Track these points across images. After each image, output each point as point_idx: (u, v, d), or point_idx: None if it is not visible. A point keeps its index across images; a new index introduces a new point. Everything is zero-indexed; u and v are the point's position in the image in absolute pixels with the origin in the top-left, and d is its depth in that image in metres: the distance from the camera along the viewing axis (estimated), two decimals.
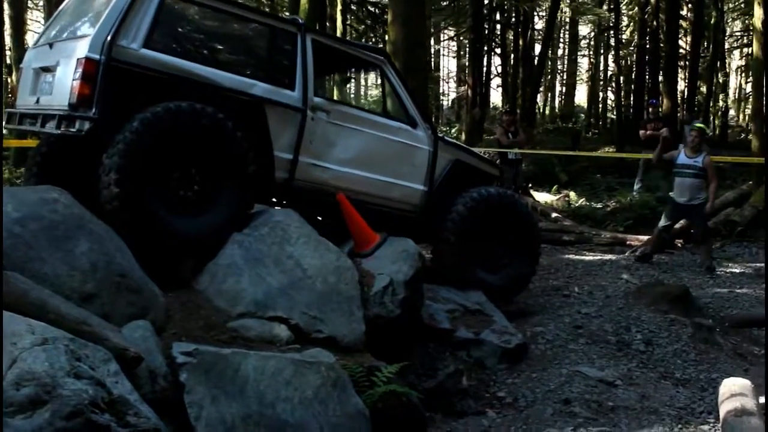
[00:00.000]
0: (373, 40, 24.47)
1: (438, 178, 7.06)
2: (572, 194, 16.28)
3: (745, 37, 34.37)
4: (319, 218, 6.62)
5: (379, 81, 7.07)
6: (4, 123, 6.24)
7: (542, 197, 16.10)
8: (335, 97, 14.80)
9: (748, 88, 31.95)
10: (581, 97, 44.78)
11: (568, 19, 39.13)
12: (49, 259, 4.22)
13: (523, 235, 7.39)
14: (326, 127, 6.26)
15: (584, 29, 40.61)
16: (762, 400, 5.40)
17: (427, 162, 6.96)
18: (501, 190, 7.46)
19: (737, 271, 10.11)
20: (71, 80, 5.10)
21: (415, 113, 6.91)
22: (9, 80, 23.38)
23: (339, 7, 21.51)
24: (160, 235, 5.14)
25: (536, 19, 30.04)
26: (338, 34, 19.84)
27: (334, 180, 6.30)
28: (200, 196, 5.41)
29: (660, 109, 17.21)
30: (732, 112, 40.75)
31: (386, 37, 14.31)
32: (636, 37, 28.96)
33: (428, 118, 7.28)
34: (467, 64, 26.18)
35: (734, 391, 5.17)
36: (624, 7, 32.16)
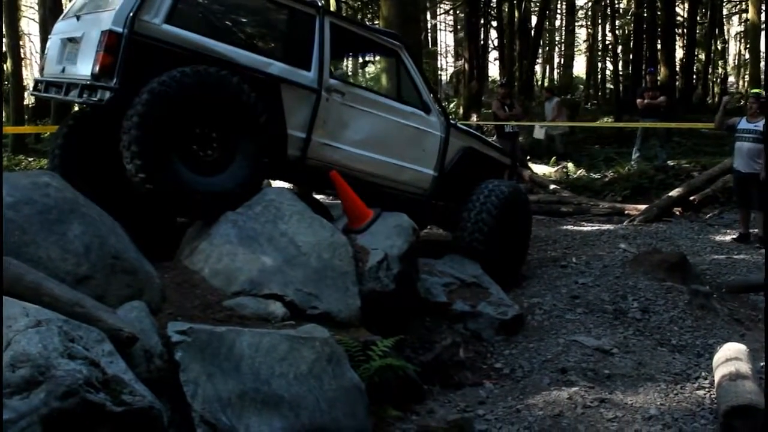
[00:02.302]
0: (369, 17, 24.37)
1: (449, 164, 7.23)
2: (570, 165, 16.29)
3: (743, 3, 34.14)
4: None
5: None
6: (31, 89, 6.45)
7: (540, 169, 16.11)
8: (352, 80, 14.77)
9: (748, 54, 31.77)
10: (580, 68, 44.56)
11: None
12: (42, 243, 4.24)
13: (524, 226, 7.77)
14: (340, 109, 6.36)
15: None
16: (760, 364, 5.45)
17: (439, 147, 7.11)
18: (516, 188, 7.67)
19: (735, 237, 10.11)
20: (95, 51, 5.25)
21: (428, 99, 7.05)
22: (5, 67, 23.36)
23: None
24: (185, 197, 5.31)
25: None
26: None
27: (345, 160, 6.41)
28: (219, 154, 5.53)
29: (658, 78, 17.14)
30: (731, 79, 40.60)
31: (379, 13, 14.24)
32: (633, 5, 28.81)
33: (441, 104, 7.41)
34: (464, 37, 26.01)
35: (729, 355, 5.22)
36: None
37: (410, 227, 5.91)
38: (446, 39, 47.49)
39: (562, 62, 44.17)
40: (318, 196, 8.07)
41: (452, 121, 7.46)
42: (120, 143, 5.18)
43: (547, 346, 6.04)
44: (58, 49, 6.00)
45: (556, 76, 44.67)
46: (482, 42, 28.27)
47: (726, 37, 39.12)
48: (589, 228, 10.86)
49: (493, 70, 37.35)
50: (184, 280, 5.06)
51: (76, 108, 8.03)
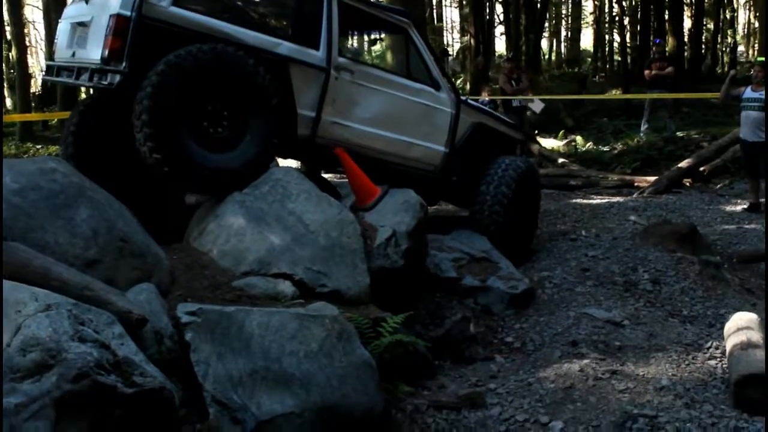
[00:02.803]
0: None
1: (459, 141, 7.23)
2: (579, 138, 16.23)
3: None
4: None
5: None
6: (44, 75, 6.49)
7: (549, 143, 16.05)
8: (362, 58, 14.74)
9: (757, 22, 31.47)
10: (587, 41, 44.23)
11: None
12: (50, 228, 4.26)
13: (535, 200, 7.88)
14: (350, 87, 6.35)
15: None
16: None
17: (449, 124, 7.11)
18: (530, 163, 7.78)
19: (745, 207, 10.05)
20: (103, 35, 5.27)
21: (438, 76, 7.04)
22: (10, 55, 23.38)
23: None
24: (194, 171, 5.33)
25: None
26: None
27: (355, 138, 6.42)
28: (229, 132, 5.54)
29: (665, 48, 16.98)
30: (741, 48, 40.22)
31: None
32: None
33: (451, 81, 7.40)
34: (469, 13, 25.81)
35: (740, 324, 5.21)
36: None
37: (418, 203, 5.90)
38: (452, 15, 47.20)
39: (569, 35, 43.87)
40: (327, 175, 8.07)
41: (463, 98, 7.46)
42: (132, 116, 5.21)
43: (558, 319, 6.04)
44: (68, 34, 6.01)
45: (563, 49, 44.40)
46: (488, 17, 28.09)
47: (735, 5, 38.71)
48: (598, 201, 10.83)
49: (500, 45, 37.13)
50: (192, 262, 5.07)
51: (83, 94, 8.07)
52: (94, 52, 5.40)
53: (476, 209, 7.22)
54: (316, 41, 6.13)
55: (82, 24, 5.76)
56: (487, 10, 28.06)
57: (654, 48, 15.92)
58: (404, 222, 5.69)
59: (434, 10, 38.50)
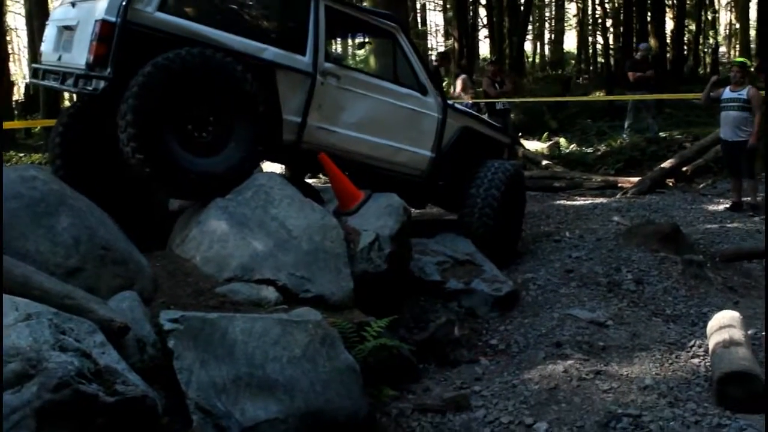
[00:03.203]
0: None
1: (446, 145, 7.23)
2: (562, 140, 16.28)
3: None
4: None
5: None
6: (30, 78, 6.54)
7: (533, 145, 16.10)
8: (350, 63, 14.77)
9: (738, 23, 31.69)
10: (570, 43, 44.43)
11: None
12: (31, 236, 4.24)
13: (521, 203, 7.88)
14: (336, 92, 6.34)
15: None
16: (751, 331, 5.48)
17: (436, 129, 7.10)
18: (517, 167, 7.81)
19: (728, 206, 10.12)
20: (89, 41, 5.25)
21: (425, 80, 7.02)
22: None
23: None
24: (178, 174, 5.31)
25: None
26: None
27: (341, 143, 6.41)
28: (214, 137, 5.54)
29: (649, 53, 17.01)
30: (723, 49, 40.49)
31: None
32: None
33: (439, 85, 7.42)
34: (453, 16, 25.89)
35: (723, 323, 5.24)
36: None
37: (401, 207, 5.90)
38: (435, 18, 47.33)
39: (552, 38, 44.05)
40: (311, 180, 8.07)
41: (449, 103, 7.49)
42: (116, 117, 5.19)
43: (542, 320, 6.05)
44: (54, 37, 5.99)
45: (547, 51, 44.56)
46: (471, 20, 28.18)
47: (716, 7, 38.97)
48: (582, 202, 10.87)
49: (483, 48, 37.25)
50: (175, 269, 5.06)
51: (67, 101, 8.07)
52: (79, 56, 5.37)
53: (466, 212, 7.21)
54: (303, 46, 6.12)
55: (68, 27, 5.75)
56: (471, 14, 28.15)
57: (638, 52, 16.01)
58: (387, 226, 5.69)
59: (418, 14, 38.58)
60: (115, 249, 4.59)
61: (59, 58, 5.79)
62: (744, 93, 9.76)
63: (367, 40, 8.22)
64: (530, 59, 39.58)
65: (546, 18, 43.74)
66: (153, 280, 4.75)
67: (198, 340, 3.97)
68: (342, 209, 6.00)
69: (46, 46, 6.14)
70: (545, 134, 16.95)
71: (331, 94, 6.30)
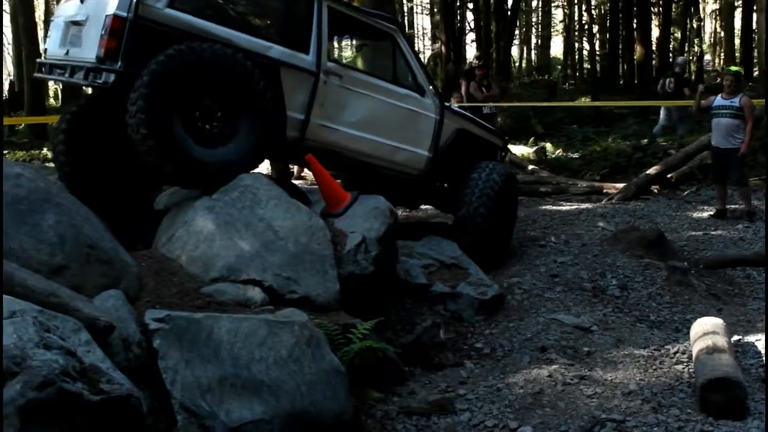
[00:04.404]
0: None
1: (443, 145, 7.36)
2: (548, 145, 16.32)
3: None
4: None
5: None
6: (35, 73, 6.57)
7: (519, 150, 16.11)
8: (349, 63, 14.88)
9: (722, 32, 31.93)
10: (557, 48, 44.62)
11: None
12: (15, 234, 4.19)
13: (514, 206, 8.01)
14: (338, 91, 6.48)
15: None
16: (734, 338, 5.51)
17: (433, 129, 7.24)
18: (508, 172, 7.90)
19: (712, 213, 10.17)
20: (99, 35, 5.35)
21: (424, 82, 7.17)
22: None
23: None
24: (183, 162, 5.40)
25: None
26: None
27: (342, 141, 6.55)
28: (221, 130, 5.66)
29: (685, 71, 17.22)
30: (707, 57, 40.77)
31: None
32: None
33: (436, 87, 7.58)
34: (440, 20, 25.91)
35: (706, 329, 5.27)
36: None
37: (387, 209, 5.91)
38: (423, 22, 47.34)
39: (539, 43, 44.19)
40: (297, 182, 8.06)
41: (447, 104, 7.63)
42: (127, 104, 5.27)
43: (527, 325, 6.07)
44: (61, 32, 6.05)
45: (533, 56, 44.72)
46: (459, 24, 28.20)
47: (701, 15, 39.23)
48: (567, 207, 10.90)
49: (470, 52, 37.33)
50: (161, 268, 5.02)
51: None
52: (89, 51, 5.47)
53: (461, 212, 7.29)
54: (306, 45, 6.25)
55: (76, 23, 5.82)
56: (458, 18, 28.18)
57: (677, 67, 16.27)
58: (374, 228, 5.69)
59: (405, 17, 38.60)
60: (100, 247, 4.56)
61: (67, 53, 5.86)
62: (737, 101, 9.80)
63: (366, 41, 8.31)
64: (517, 64, 39.68)
65: (533, 23, 43.89)
66: (138, 279, 4.72)
67: (183, 339, 3.96)
68: (329, 210, 5.99)
69: (52, 41, 6.21)
70: (531, 139, 16.98)
71: (334, 92, 6.43)
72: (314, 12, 6.31)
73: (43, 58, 6.43)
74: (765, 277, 7.08)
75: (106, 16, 5.31)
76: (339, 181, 6.98)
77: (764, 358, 5.06)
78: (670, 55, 26.39)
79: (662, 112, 15.89)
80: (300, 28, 6.29)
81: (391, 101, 6.89)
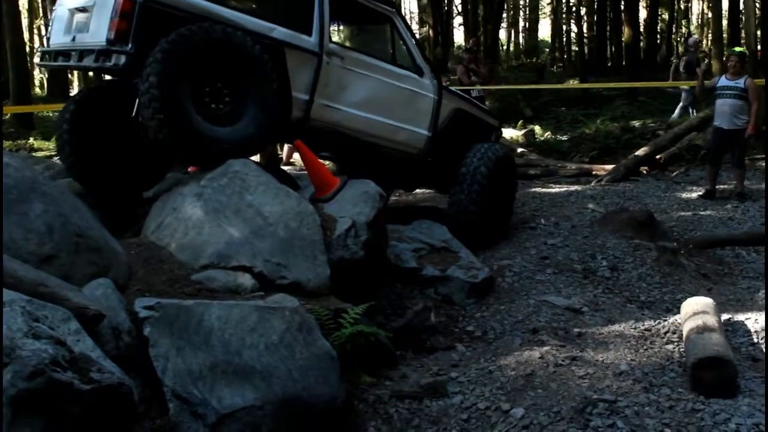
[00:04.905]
0: None
1: (441, 125, 7.54)
2: (537, 128, 16.33)
3: None
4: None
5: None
6: (38, 61, 6.84)
7: (507, 133, 16.11)
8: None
9: (710, 13, 31.90)
10: (545, 31, 44.56)
11: None
12: (3, 224, 4.16)
13: (510, 182, 8.10)
14: (340, 72, 6.62)
15: None
16: (725, 317, 5.54)
17: (432, 109, 7.42)
18: (504, 150, 8.09)
19: (701, 194, 10.21)
20: (109, 18, 5.45)
21: (422, 62, 7.35)
22: None
23: None
24: (193, 138, 5.48)
25: None
26: None
27: (345, 121, 6.71)
28: (230, 109, 5.77)
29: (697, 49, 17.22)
30: (695, 38, 40.76)
31: None
32: None
33: (434, 68, 7.72)
34: (427, 4, 25.83)
35: (696, 309, 5.29)
36: None
37: (377, 194, 5.89)
38: (410, 6, 47.17)
39: (526, 26, 44.12)
40: (288, 167, 8.04)
41: (444, 85, 7.81)
42: (139, 83, 5.38)
43: (518, 307, 6.08)
44: (65, 19, 6.11)
45: (521, 40, 44.66)
46: (446, 7, 28.14)
47: None
48: (557, 189, 10.92)
49: (458, 36, 37.25)
50: (150, 256, 5.01)
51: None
52: (97, 35, 5.56)
53: (456, 192, 7.43)
54: (309, 27, 6.37)
55: (82, 9, 5.89)
56: (446, 1, 28.11)
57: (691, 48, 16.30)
58: (363, 213, 5.67)
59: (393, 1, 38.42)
60: (89, 236, 4.53)
61: (73, 39, 5.93)
62: (741, 82, 9.83)
63: (365, 23, 8.50)
64: (504, 47, 39.62)
65: (520, 6, 43.80)
66: (128, 268, 4.70)
67: (174, 327, 3.94)
68: (318, 195, 5.97)
69: (56, 29, 6.27)
70: (520, 122, 16.99)
71: (336, 73, 6.56)
72: None
73: (45, 46, 6.52)
74: (765, 256, 7.10)
75: None
76: (328, 164, 7.00)
77: (765, 336, 5.08)
78: (658, 36, 26.41)
79: (683, 94, 15.84)
80: (302, 10, 6.39)
81: (390, 81, 7.04)
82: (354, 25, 8.59)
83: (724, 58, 10.58)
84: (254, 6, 6.46)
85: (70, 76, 27.08)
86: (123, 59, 5.41)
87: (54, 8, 6.60)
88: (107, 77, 6.89)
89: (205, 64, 5.55)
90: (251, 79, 5.75)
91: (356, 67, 6.75)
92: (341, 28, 7.95)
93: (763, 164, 11.41)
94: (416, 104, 7.29)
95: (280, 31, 6.14)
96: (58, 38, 6.19)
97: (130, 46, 5.39)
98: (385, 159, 7.29)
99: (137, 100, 5.51)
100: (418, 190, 9.40)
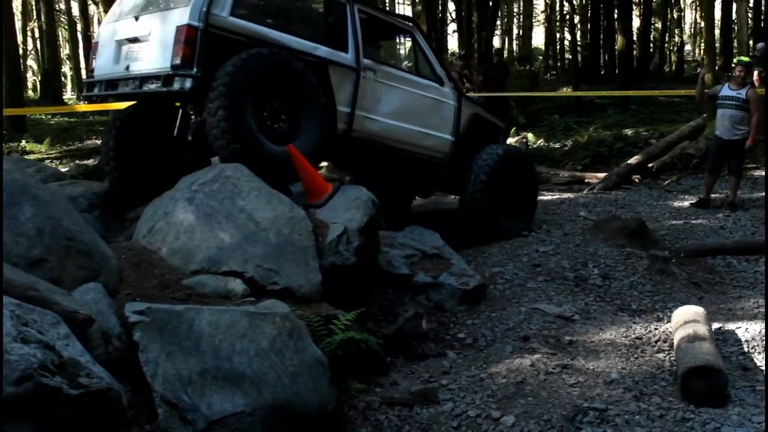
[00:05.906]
0: None
1: (462, 129, 8.13)
2: (530, 135, 16.35)
3: None
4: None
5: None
6: (85, 92, 7.07)
7: None
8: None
9: (702, 22, 32.04)
10: (539, 39, 44.63)
11: None
12: None
13: (529, 182, 8.54)
14: (374, 85, 7.14)
15: None
16: (716, 326, 5.55)
17: (454, 115, 8.02)
18: (508, 151, 8.39)
19: (693, 202, 10.23)
20: (171, 45, 5.88)
21: (441, 73, 7.95)
22: None
23: None
24: (258, 157, 5.84)
25: None
26: None
27: (381, 131, 7.25)
28: (288, 128, 6.24)
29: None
30: (688, 47, 40.96)
31: None
32: None
33: (452, 77, 8.27)
34: (422, 10, 25.85)
35: (687, 318, 5.29)
36: None
37: (369, 200, 5.90)
38: (404, 12, 47.23)
39: (520, 33, 44.16)
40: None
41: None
42: (204, 109, 5.82)
43: (510, 314, 6.07)
44: (113, 50, 6.52)
45: (515, 47, 44.72)
46: (440, 14, 28.17)
47: (681, 5, 39.42)
48: (549, 197, 10.93)
49: (452, 43, 37.31)
50: (141, 260, 4.99)
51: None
52: (158, 61, 6.00)
53: (462, 195, 8.03)
54: (345, 44, 6.89)
55: (133, 40, 6.32)
56: (440, 8, 28.14)
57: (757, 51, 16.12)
58: (356, 219, 5.68)
59: (386, 8, 38.49)
60: (79, 240, 4.51)
61: (127, 68, 6.30)
62: (743, 93, 9.84)
63: (389, 38, 9.32)
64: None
65: (514, 13, 43.87)
66: (118, 272, 4.68)
67: (164, 332, 3.93)
68: (310, 201, 5.97)
69: (104, 60, 6.63)
70: (513, 129, 16.99)
71: (371, 86, 7.08)
72: (348, 13, 6.95)
73: (92, 77, 6.81)
74: (765, 265, 7.11)
75: (179, 26, 5.82)
76: (321, 170, 7.05)
77: (765, 344, 5.08)
78: (651, 45, 26.50)
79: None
80: (337, 29, 6.88)
81: (417, 92, 7.60)
82: (378, 41, 8.93)
83: (732, 65, 10.54)
84: (297, 28, 6.85)
85: (63, 79, 26.99)
86: (189, 83, 5.78)
87: (95, 40, 6.98)
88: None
89: (266, 85, 5.97)
90: (305, 97, 6.21)
91: (387, 79, 7.26)
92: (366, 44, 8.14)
93: (755, 174, 11.46)
94: (440, 112, 7.85)
95: (322, 50, 6.63)
96: (108, 68, 6.52)
97: (195, 70, 5.77)
98: (413, 165, 7.79)
99: (179, 121, 6.12)
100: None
